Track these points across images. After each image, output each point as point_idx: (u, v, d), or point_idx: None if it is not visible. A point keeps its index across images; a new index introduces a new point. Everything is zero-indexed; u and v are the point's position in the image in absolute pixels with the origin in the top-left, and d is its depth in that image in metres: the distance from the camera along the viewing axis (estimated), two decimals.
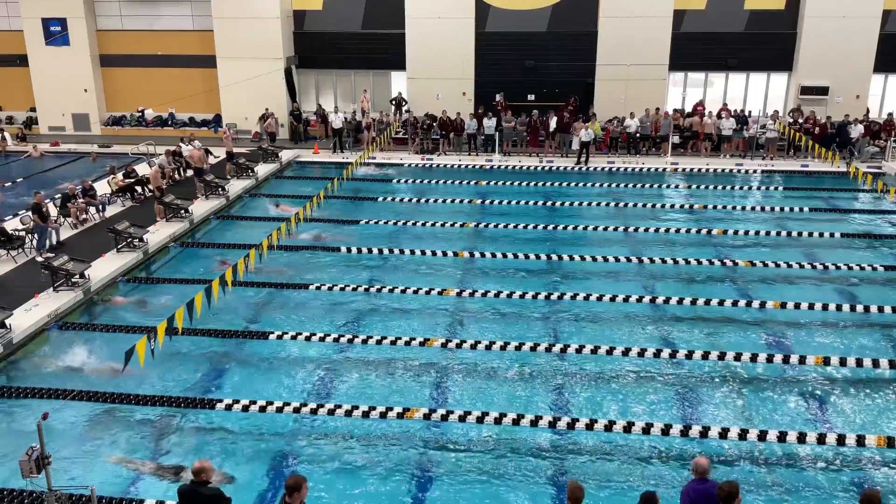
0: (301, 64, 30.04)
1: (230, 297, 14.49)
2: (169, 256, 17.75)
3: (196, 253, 18.00)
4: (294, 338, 12.97)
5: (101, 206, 19.98)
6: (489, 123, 26.47)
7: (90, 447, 10.26)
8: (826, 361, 11.95)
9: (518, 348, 12.45)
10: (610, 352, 12.30)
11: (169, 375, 12.09)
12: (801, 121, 26.17)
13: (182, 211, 19.40)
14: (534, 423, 10.35)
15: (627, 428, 10.19)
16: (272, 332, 13.15)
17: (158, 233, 18.26)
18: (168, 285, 15.73)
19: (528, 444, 10.18)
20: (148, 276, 16.61)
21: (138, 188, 21.63)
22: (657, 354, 12.26)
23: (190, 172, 22.95)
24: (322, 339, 12.92)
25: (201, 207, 20.41)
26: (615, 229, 18.88)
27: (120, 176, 21.62)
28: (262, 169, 24.58)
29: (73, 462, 9.79)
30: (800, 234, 18.36)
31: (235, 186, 22.45)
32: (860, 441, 9.91)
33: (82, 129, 30.71)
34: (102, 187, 21.41)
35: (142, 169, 22.98)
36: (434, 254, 17.09)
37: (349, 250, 17.30)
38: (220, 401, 10.96)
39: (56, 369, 12.35)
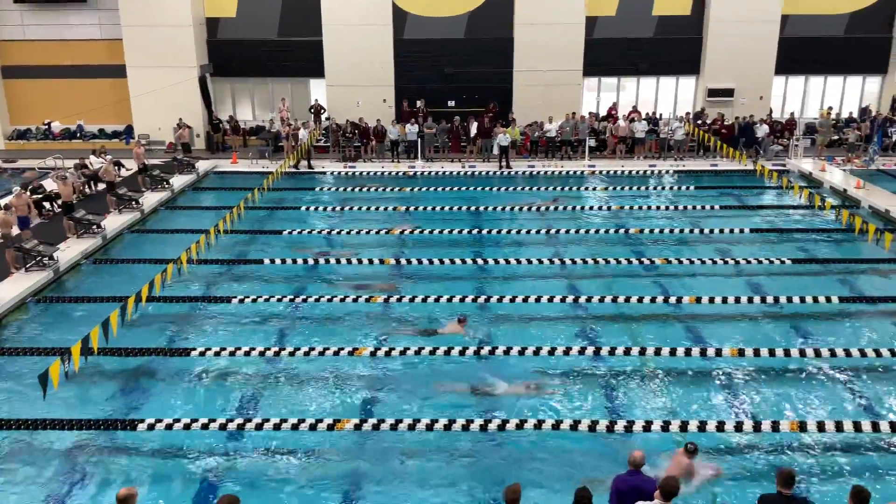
0: (216, 72, 29.40)
1: (144, 315, 14.07)
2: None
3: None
4: (218, 353, 12.62)
5: None
6: (411, 129, 26.53)
7: (4, 479, 9.75)
8: (741, 353, 12.47)
9: (447, 353, 12.51)
10: (537, 352, 12.49)
11: (87, 396, 11.62)
12: (708, 122, 27.25)
13: (94, 226, 18.67)
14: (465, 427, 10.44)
15: (556, 426, 10.38)
16: (194, 349, 12.79)
17: (69, 250, 17.52)
18: None
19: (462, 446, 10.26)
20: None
21: (46, 204, 20.71)
22: (581, 352, 12.54)
23: (101, 186, 22.13)
24: (247, 354, 12.63)
25: (115, 222, 19.70)
26: (538, 232, 19.21)
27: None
28: (178, 180, 23.91)
29: None
30: (711, 230, 19.11)
31: (150, 199, 21.77)
32: (775, 427, 10.36)
33: None
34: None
35: (49, 184, 21.99)
36: (360, 262, 17.02)
37: (272, 261, 17.02)
38: (142, 421, 10.59)
39: None
